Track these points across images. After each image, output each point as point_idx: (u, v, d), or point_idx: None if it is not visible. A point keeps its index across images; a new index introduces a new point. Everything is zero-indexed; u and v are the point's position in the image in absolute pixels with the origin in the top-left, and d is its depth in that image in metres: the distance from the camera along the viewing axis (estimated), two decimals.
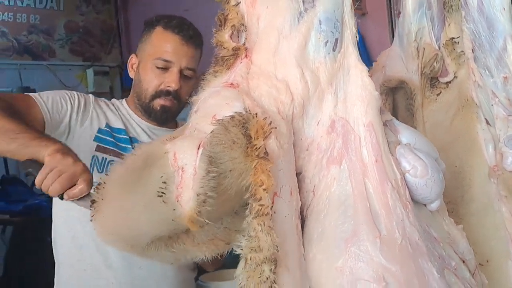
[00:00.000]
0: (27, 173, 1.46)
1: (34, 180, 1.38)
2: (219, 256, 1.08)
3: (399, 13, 1.56)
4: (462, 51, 1.51)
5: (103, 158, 1.73)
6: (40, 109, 1.64)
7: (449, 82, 1.54)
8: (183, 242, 1.04)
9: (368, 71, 1.08)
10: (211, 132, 0.93)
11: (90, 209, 1.06)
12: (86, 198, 1.30)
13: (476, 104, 1.48)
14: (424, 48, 1.53)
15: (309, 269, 1.00)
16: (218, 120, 0.95)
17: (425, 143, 1.17)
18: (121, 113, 1.87)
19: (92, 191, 1.11)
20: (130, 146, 1.77)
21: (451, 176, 1.30)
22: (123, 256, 1.64)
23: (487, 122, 1.49)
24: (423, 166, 1.07)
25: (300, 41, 1.06)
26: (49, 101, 1.68)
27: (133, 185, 0.96)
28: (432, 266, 0.99)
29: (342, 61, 1.08)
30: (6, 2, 5.26)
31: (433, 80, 1.55)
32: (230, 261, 1.14)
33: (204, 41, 1.83)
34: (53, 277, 1.80)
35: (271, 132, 0.95)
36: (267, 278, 0.89)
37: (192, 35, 1.79)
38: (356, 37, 1.09)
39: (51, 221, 1.82)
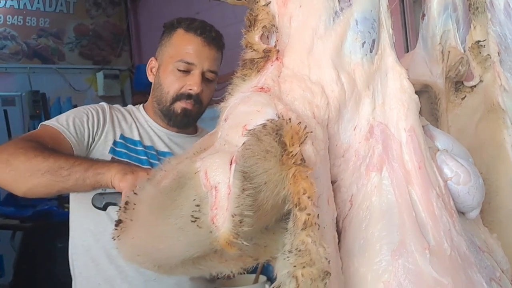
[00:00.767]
0: (106, 205, 1.41)
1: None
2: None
3: (423, 15, 1.51)
4: (488, 54, 1.46)
5: None
6: (65, 137, 1.60)
7: (474, 86, 1.49)
8: (210, 259, 0.98)
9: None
10: (242, 144, 0.87)
11: (115, 228, 0.99)
12: None
13: (503, 109, 1.43)
14: (449, 51, 1.48)
15: (351, 284, 0.93)
16: (250, 130, 0.88)
17: (461, 149, 1.12)
18: (138, 121, 1.81)
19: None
20: (146, 158, 1.72)
21: None
22: (137, 269, 1.57)
23: None
24: (466, 173, 1.01)
25: (336, 42, 1.00)
26: (70, 126, 1.63)
27: (166, 208, 0.90)
28: (481, 277, 0.94)
29: (380, 63, 1.02)
30: (16, 6, 5.23)
31: (457, 84, 1.51)
32: None
33: None
34: (63, 282, 1.75)
35: (307, 137, 0.88)
36: None
37: (215, 37, 1.74)
38: (393, 38, 1.03)
39: (61, 226, 1.77)
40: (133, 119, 1.81)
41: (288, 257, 0.83)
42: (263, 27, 1.02)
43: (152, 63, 1.84)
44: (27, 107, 5.11)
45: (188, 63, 1.70)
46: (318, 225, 0.85)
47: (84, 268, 1.68)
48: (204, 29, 1.74)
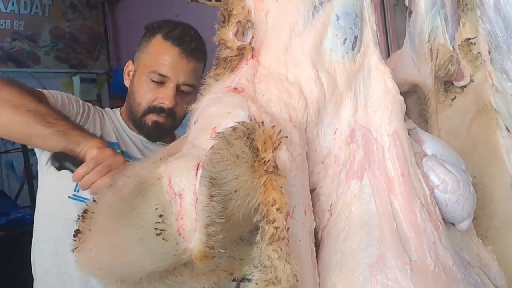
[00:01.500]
0: (61, 167, 1.32)
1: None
2: None
3: (410, 12, 1.44)
4: (479, 52, 1.39)
5: None
6: (50, 103, 1.54)
7: (465, 86, 1.42)
8: (180, 273, 0.91)
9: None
10: (211, 148, 0.80)
11: (73, 239, 0.91)
12: None
13: (496, 109, 1.37)
14: (438, 50, 1.41)
15: None
16: (219, 133, 0.81)
17: (452, 154, 1.05)
18: (114, 125, 1.74)
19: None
20: None
21: None
22: None
23: (507, 129, 1.38)
24: (454, 180, 0.94)
25: (315, 39, 0.93)
26: (59, 101, 1.58)
27: (125, 217, 0.82)
28: None
29: (362, 62, 0.95)
30: None
31: (447, 84, 1.44)
32: None
33: None
34: None
35: (281, 142, 0.81)
36: None
37: (194, 48, 1.65)
38: (377, 35, 0.96)
39: None
40: (111, 122, 1.74)
41: (253, 273, 0.76)
42: (237, 22, 0.95)
43: (129, 67, 1.75)
44: None
45: (162, 75, 1.62)
46: (287, 239, 0.78)
47: (47, 275, 1.61)
48: (183, 39, 1.64)
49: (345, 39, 0.94)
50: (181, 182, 0.78)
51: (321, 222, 0.94)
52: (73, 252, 0.93)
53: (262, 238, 0.77)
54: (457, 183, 0.95)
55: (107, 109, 1.82)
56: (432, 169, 0.95)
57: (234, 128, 0.80)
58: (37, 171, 1.69)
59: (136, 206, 0.82)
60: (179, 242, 0.78)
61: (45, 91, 1.59)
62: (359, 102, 0.94)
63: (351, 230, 0.88)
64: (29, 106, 1.37)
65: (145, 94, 1.64)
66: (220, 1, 2.36)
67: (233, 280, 1.60)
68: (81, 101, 1.67)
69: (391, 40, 2.55)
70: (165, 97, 1.62)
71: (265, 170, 0.77)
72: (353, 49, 0.94)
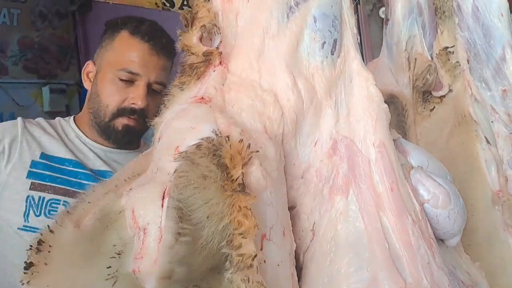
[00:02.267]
0: None
1: None
2: None
3: (387, 20, 1.38)
4: (457, 61, 1.34)
5: (40, 197, 1.41)
6: None
7: (443, 96, 1.37)
8: None
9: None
10: (175, 171, 0.70)
11: (24, 272, 0.79)
12: None
13: (475, 120, 1.31)
14: (415, 59, 1.36)
15: None
16: (181, 153, 0.71)
17: (438, 165, 0.98)
18: (67, 136, 1.55)
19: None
20: (76, 180, 1.46)
21: None
22: None
23: (487, 141, 1.32)
24: (445, 194, 0.87)
25: (291, 42, 0.85)
26: None
27: (91, 257, 0.71)
28: None
29: (343, 68, 0.87)
30: None
31: (425, 94, 1.39)
32: None
33: None
34: None
35: (251, 157, 0.72)
36: None
37: (165, 44, 1.51)
38: (358, 38, 0.89)
39: None
40: (59, 134, 1.54)
41: None
42: (201, 26, 0.86)
43: (89, 67, 1.59)
44: None
45: (131, 73, 1.47)
46: (256, 267, 0.68)
47: None
48: (153, 34, 1.51)
49: (324, 43, 0.86)
50: (145, 215, 0.68)
51: (303, 243, 0.84)
52: (23, 284, 0.81)
53: (231, 266, 0.67)
54: (448, 197, 0.87)
55: (58, 119, 1.61)
56: (421, 182, 0.87)
57: (198, 146, 0.70)
58: None
59: (100, 245, 0.71)
60: (135, 283, 0.67)
61: None
62: (340, 111, 0.86)
63: (338, 252, 0.79)
64: None
65: (112, 95, 1.48)
66: None
67: None
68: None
69: (365, 50, 2.50)
70: (136, 97, 1.46)
71: (232, 189, 0.68)
72: (332, 53, 0.86)
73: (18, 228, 1.37)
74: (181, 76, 0.86)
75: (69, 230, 0.79)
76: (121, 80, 1.47)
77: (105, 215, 0.73)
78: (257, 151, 0.71)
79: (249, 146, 0.70)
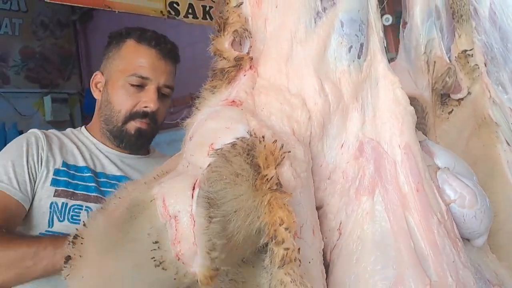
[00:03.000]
0: None
1: None
2: None
3: (405, 23, 1.40)
4: (476, 64, 1.36)
5: (63, 203, 1.47)
6: (11, 195, 1.42)
7: (462, 98, 1.38)
8: None
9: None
10: (208, 166, 0.73)
11: (64, 266, 0.83)
12: None
13: (496, 122, 1.33)
14: (435, 62, 1.37)
15: None
16: (217, 150, 0.74)
17: (464, 167, 0.99)
18: (83, 144, 1.61)
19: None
20: (94, 185, 1.52)
21: None
22: None
23: (508, 143, 1.34)
24: (471, 194, 0.89)
25: (318, 47, 0.87)
26: (12, 179, 1.44)
27: (117, 244, 0.75)
28: None
29: (369, 71, 0.90)
30: None
31: (443, 97, 1.40)
32: None
33: None
34: None
35: (284, 157, 0.75)
36: None
37: (170, 49, 1.58)
38: (384, 42, 0.91)
39: None
40: (75, 144, 1.60)
41: None
42: (234, 31, 0.88)
43: (97, 78, 1.64)
44: None
45: (142, 77, 1.53)
46: (299, 260, 0.71)
47: None
48: (158, 40, 1.57)
49: (351, 47, 0.88)
50: (176, 203, 0.71)
51: (330, 242, 0.87)
52: (65, 279, 0.85)
53: (271, 261, 0.70)
54: (475, 197, 0.89)
55: (69, 130, 1.68)
56: (447, 182, 0.89)
57: (233, 145, 0.73)
58: None
59: (128, 231, 0.74)
60: (179, 267, 0.70)
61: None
62: (367, 114, 0.89)
63: (365, 250, 0.81)
64: (4, 262, 1.30)
65: (124, 100, 1.54)
66: (197, 18, 2.32)
67: None
68: (27, 146, 1.51)
69: None
70: (149, 100, 1.52)
71: (268, 188, 0.71)
72: (359, 57, 0.89)
73: (41, 233, 1.42)
74: (212, 80, 0.89)
75: (99, 221, 0.82)
76: (132, 85, 1.53)
77: (135, 205, 0.76)
78: (289, 152, 0.74)
79: (282, 147, 0.72)
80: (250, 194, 0.70)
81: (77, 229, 0.87)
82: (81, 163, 1.55)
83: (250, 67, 0.89)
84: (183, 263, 0.69)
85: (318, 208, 0.88)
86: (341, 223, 0.86)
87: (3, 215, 1.38)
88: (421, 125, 1.37)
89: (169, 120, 1.77)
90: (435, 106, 1.39)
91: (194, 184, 0.71)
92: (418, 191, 0.84)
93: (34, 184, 1.47)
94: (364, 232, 0.83)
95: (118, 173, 1.57)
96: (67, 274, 0.85)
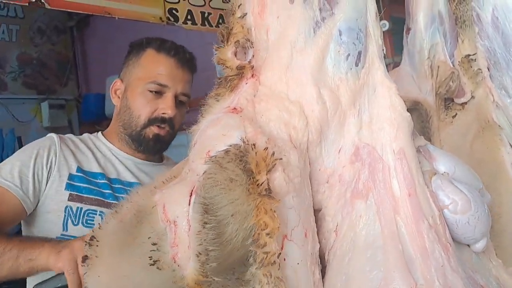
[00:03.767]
0: None
1: None
2: None
3: (409, 29, 1.43)
4: (479, 69, 1.38)
5: (78, 208, 1.53)
6: (12, 192, 1.46)
7: (465, 103, 1.41)
8: None
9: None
10: (204, 173, 0.78)
11: (82, 264, 0.89)
12: None
13: (499, 125, 1.35)
14: (438, 66, 1.40)
15: None
16: (211, 157, 0.79)
17: (466, 172, 1.00)
18: (98, 150, 1.66)
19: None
20: (110, 191, 1.58)
21: None
22: None
23: (511, 146, 1.36)
24: (465, 200, 0.91)
25: (317, 56, 0.91)
26: (15, 177, 1.48)
27: (128, 247, 0.81)
28: None
29: (367, 78, 0.93)
30: None
31: (447, 101, 1.43)
32: None
33: None
34: None
35: (275, 164, 0.79)
36: None
37: (189, 58, 1.66)
38: (383, 49, 0.94)
39: None
40: (90, 149, 1.65)
41: None
42: (235, 42, 0.93)
43: (116, 85, 1.70)
44: None
45: (161, 84, 1.59)
46: (278, 264, 0.75)
47: None
48: (177, 50, 1.64)
49: (348, 55, 0.91)
50: (175, 209, 0.76)
51: (328, 243, 0.91)
52: (84, 277, 0.92)
53: (254, 261, 0.75)
54: (468, 203, 0.91)
55: (86, 135, 1.73)
56: (441, 188, 0.92)
57: (226, 151, 0.78)
58: None
59: (136, 235, 0.80)
60: (175, 270, 0.75)
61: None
62: (363, 120, 0.92)
63: (356, 252, 0.85)
64: None
65: (143, 106, 1.60)
66: (196, 24, 2.36)
67: None
68: (39, 150, 1.56)
69: None
70: (167, 107, 1.59)
71: (258, 193, 0.75)
72: (356, 65, 0.92)
73: (57, 237, 1.47)
74: (217, 88, 0.94)
75: (113, 225, 0.88)
76: (151, 92, 1.59)
77: (141, 210, 0.81)
78: (281, 159, 0.78)
79: (273, 154, 0.77)
80: (245, 198, 0.74)
81: (93, 230, 0.92)
82: (95, 169, 1.60)
83: (252, 75, 0.93)
84: (178, 265, 0.74)
85: (317, 211, 0.92)
86: (337, 224, 0.90)
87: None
88: (425, 129, 1.40)
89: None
90: (439, 110, 1.41)
91: (192, 191, 0.75)
92: (410, 195, 0.87)
93: (39, 186, 1.51)
94: (357, 234, 0.86)
95: (133, 180, 1.63)
96: (85, 272, 0.91)
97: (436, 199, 0.91)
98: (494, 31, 1.37)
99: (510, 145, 1.35)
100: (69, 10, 2.26)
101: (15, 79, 5.35)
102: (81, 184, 1.55)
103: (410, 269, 0.81)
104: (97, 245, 0.90)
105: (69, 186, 1.53)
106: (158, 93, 1.59)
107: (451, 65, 1.40)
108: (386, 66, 0.97)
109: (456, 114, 1.42)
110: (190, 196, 0.75)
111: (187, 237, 0.73)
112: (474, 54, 1.38)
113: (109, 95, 1.74)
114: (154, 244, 0.75)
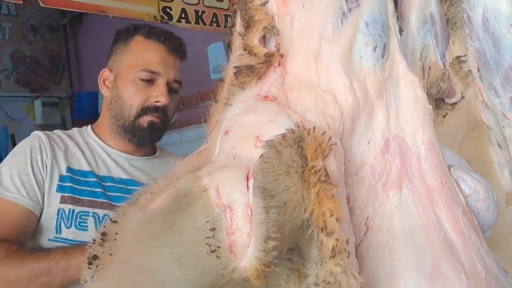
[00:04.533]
0: None
1: None
2: None
3: (401, 30, 1.45)
4: (469, 70, 1.42)
5: (70, 210, 1.45)
6: (21, 204, 1.42)
7: (456, 103, 1.44)
8: None
9: None
10: (260, 157, 0.74)
11: (88, 267, 0.81)
12: None
13: (487, 126, 1.39)
14: (430, 67, 1.43)
15: None
16: (267, 142, 0.75)
17: (467, 166, 1.04)
18: (87, 147, 1.58)
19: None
20: (101, 190, 1.51)
21: None
22: None
23: (499, 145, 1.40)
24: (484, 189, 0.93)
25: (345, 46, 0.90)
26: (20, 188, 1.43)
27: (161, 236, 0.73)
28: None
29: (391, 71, 0.93)
30: None
31: (438, 101, 1.46)
32: None
33: None
34: None
35: (331, 149, 0.77)
36: None
37: (178, 44, 1.60)
38: (401, 44, 0.95)
39: None
40: (79, 146, 1.57)
41: None
42: (264, 28, 0.90)
43: (105, 74, 1.63)
44: None
45: (152, 72, 1.54)
46: (348, 252, 0.73)
47: None
48: (167, 36, 1.59)
49: (376, 47, 0.91)
50: (231, 193, 0.71)
51: (356, 237, 0.88)
52: (85, 282, 0.83)
53: (320, 252, 0.71)
54: (487, 192, 0.94)
55: (74, 129, 1.65)
56: (461, 178, 0.93)
57: (283, 136, 0.74)
58: None
59: (173, 222, 0.74)
60: (230, 260, 0.70)
61: (5, 195, 1.44)
62: (390, 112, 0.91)
63: (397, 242, 0.84)
64: (22, 279, 1.31)
65: (135, 95, 1.54)
66: (190, 23, 2.34)
67: None
68: (31, 152, 1.50)
69: None
70: (159, 95, 1.53)
71: (317, 179, 0.72)
72: (383, 56, 0.92)
73: (49, 240, 1.42)
74: (238, 76, 0.90)
75: (136, 215, 0.81)
76: (142, 80, 1.53)
77: (184, 195, 0.75)
78: (335, 144, 0.76)
79: (330, 138, 0.74)
80: (299, 185, 0.71)
81: (104, 226, 0.85)
82: (85, 168, 1.53)
83: (279, 64, 0.90)
84: (234, 255, 0.69)
85: None
86: (368, 217, 0.88)
87: (16, 228, 1.38)
88: None
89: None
90: None
91: (248, 175, 0.71)
92: (442, 184, 0.88)
93: (43, 190, 1.46)
94: (394, 225, 0.85)
95: (125, 177, 1.56)
96: (92, 276, 0.82)
97: (460, 188, 0.92)
98: (484, 32, 1.42)
99: (499, 144, 1.39)
100: (63, 8, 2.19)
101: (8, 77, 5.26)
102: (72, 185, 1.49)
103: (455, 254, 0.81)
104: (115, 239, 0.82)
105: (60, 188, 1.47)
106: (150, 81, 1.54)
107: (442, 66, 1.43)
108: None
109: (447, 114, 1.45)
110: (247, 180, 0.71)
111: (247, 224, 0.68)
112: (464, 56, 1.42)
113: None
114: (212, 229, 0.70)
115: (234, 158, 0.78)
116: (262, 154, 0.72)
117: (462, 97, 1.43)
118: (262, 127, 0.78)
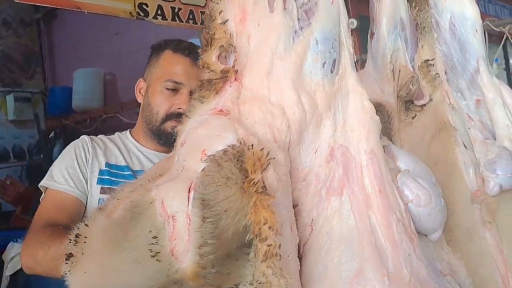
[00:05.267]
0: None
1: None
2: None
3: (372, 34, 1.51)
4: (437, 73, 1.48)
5: None
6: (71, 194, 1.67)
7: (424, 105, 1.50)
8: None
9: None
10: (202, 170, 0.83)
11: (65, 262, 0.92)
12: None
13: (454, 127, 1.45)
14: (399, 70, 1.49)
15: None
16: (210, 156, 0.85)
17: (423, 169, 1.11)
18: (124, 147, 1.83)
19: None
20: None
21: None
22: None
23: (465, 146, 1.46)
24: (427, 194, 1.01)
25: (296, 62, 0.98)
26: (69, 180, 1.69)
27: (119, 242, 0.85)
28: None
29: (340, 84, 1.01)
30: None
31: (407, 103, 1.52)
32: None
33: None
34: None
35: (269, 163, 0.86)
36: None
37: None
38: (354, 58, 1.02)
39: None
40: (117, 146, 1.82)
41: None
42: (220, 46, 0.98)
43: (140, 84, 1.87)
44: None
45: (176, 82, 1.75)
46: (280, 255, 0.82)
47: None
48: (192, 49, 1.77)
49: (324, 63, 0.99)
50: (173, 204, 0.81)
51: (303, 237, 0.97)
52: (65, 275, 0.94)
53: (255, 256, 0.81)
54: (429, 198, 1.01)
55: (117, 134, 1.91)
56: (406, 184, 1.01)
57: (224, 151, 0.83)
58: None
59: (129, 230, 0.84)
60: (172, 263, 0.80)
61: (56, 187, 1.68)
62: (338, 122, 0.99)
63: (332, 244, 0.92)
64: None
65: (161, 103, 1.76)
66: (167, 20, 2.41)
67: None
68: (76, 150, 1.75)
69: None
70: (182, 103, 1.73)
71: (255, 191, 0.81)
72: (332, 71, 0.99)
73: None
74: (200, 90, 0.99)
75: (101, 221, 0.92)
76: (168, 89, 1.76)
77: (135, 206, 0.86)
78: (273, 158, 0.84)
79: (268, 153, 0.83)
80: (239, 195, 0.80)
81: (78, 228, 0.96)
82: (122, 163, 1.78)
83: (235, 78, 0.99)
84: (176, 258, 0.79)
85: (294, 206, 0.99)
86: (313, 220, 0.97)
87: (67, 214, 1.60)
88: (386, 129, 1.48)
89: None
90: (400, 112, 1.50)
91: (190, 187, 0.81)
92: (381, 192, 0.96)
93: (87, 181, 1.70)
94: (333, 228, 0.94)
95: None
96: (68, 270, 0.94)
97: (402, 194, 1.00)
98: (451, 37, 1.48)
99: (464, 145, 1.45)
100: (38, 4, 2.24)
101: None
102: (110, 178, 1.73)
103: (382, 259, 0.89)
104: (84, 242, 0.93)
105: (100, 181, 1.71)
106: (175, 90, 1.75)
107: (411, 69, 1.49)
108: (355, 63, 1.05)
109: (416, 115, 1.51)
110: (189, 192, 0.80)
111: (186, 231, 0.78)
112: (432, 59, 1.48)
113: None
114: (154, 237, 0.80)
115: (182, 170, 0.87)
116: (204, 167, 0.82)
117: (430, 99, 1.49)
118: (210, 141, 0.87)
